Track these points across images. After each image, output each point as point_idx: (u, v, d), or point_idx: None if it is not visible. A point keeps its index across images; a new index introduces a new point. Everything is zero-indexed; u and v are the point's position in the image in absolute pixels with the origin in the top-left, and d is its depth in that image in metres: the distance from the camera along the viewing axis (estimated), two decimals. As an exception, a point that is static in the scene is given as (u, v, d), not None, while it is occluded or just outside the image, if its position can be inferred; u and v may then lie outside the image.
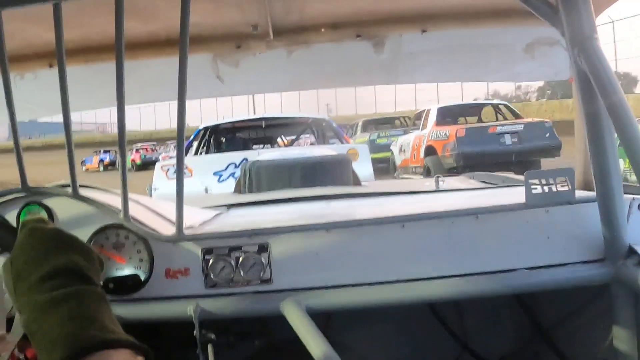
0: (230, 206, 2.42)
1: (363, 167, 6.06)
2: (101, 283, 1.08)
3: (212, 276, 1.67)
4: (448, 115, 13.39)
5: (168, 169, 6.52)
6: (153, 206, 1.90)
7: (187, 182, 1.68)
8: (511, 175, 3.28)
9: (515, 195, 1.83)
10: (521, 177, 1.77)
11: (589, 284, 1.67)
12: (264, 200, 2.60)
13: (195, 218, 1.94)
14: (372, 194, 2.65)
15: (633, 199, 1.65)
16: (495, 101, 16.17)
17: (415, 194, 2.60)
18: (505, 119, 13.60)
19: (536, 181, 1.68)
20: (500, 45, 2.36)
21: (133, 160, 33.49)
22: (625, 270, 1.58)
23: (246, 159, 5.92)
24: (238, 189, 3.23)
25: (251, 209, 2.45)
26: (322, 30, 2.08)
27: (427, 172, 12.18)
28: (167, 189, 6.05)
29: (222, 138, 8.31)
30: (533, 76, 2.83)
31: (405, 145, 14.37)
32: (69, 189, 1.67)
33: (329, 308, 1.73)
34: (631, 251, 1.59)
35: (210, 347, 1.68)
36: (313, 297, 1.65)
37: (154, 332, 1.82)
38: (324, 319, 2.01)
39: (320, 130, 8.06)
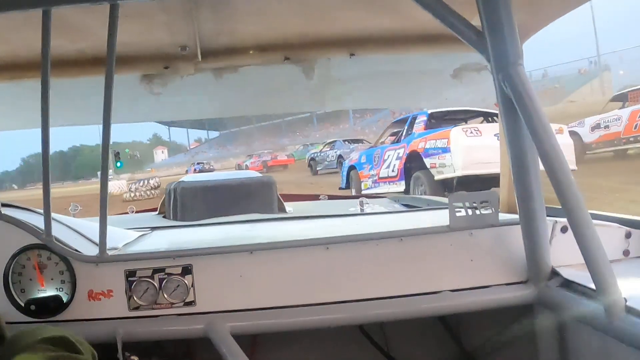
0: (154, 228, 2.36)
1: None
2: None
3: (135, 298, 1.65)
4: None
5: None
6: (76, 226, 1.86)
7: None
8: (435, 198, 3.34)
9: (439, 218, 1.85)
10: (445, 200, 1.79)
11: (512, 305, 1.70)
12: (188, 224, 2.55)
13: (118, 239, 1.90)
14: (297, 217, 2.63)
15: (556, 221, 1.69)
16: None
17: (340, 217, 2.59)
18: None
19: (460, 204, 1.71)
20: (429, 71, 2.39)
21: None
22: (548, 292, 1.61)
23: None
24: (162, 211, 3.16)
25: (175, 231, 2.42)
26: (251, 52, 2.07)
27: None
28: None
29: (440, 120, 11.91)
30: (461, 102, 2.89)
31: (608, 122, 15.19)
32: None
33: (254, 330, 1.73)
34: (554, 273, 1.63)
35: None
36: (237, 319, 1.65)
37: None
38: (249, 341, 2.00)
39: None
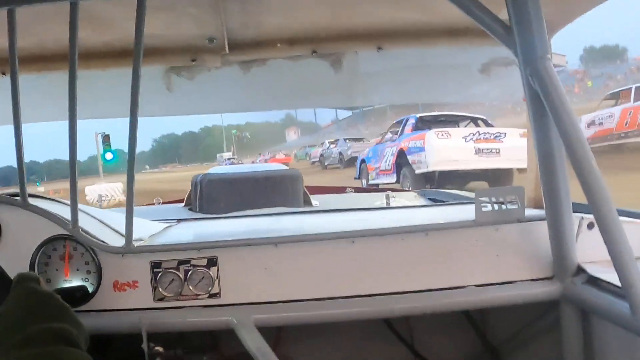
0: (180, 219, 2.38)
1: None
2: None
3: (160, 289, 1.66)
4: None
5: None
6: (102, 218, 1.87)
7: None
8: (461, 192, 3.32)
9: (465, 212, 1.84)
10: (471, 195, 1.78)
11: (537, 301, 1.70)
12: (214, 217, 2.56)
13: (144, 230, 1.92)
14: (322, 210, 2.64)
15: (582, 217, 1.67)
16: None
17: (366, 210, 2.59)
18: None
19: (486, 199, 1.70)
20: (456, 66, 2.38)
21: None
22: (574, 289, 1.60)
23: None
24: (188, 202, 3.18)
25: (201, 223, 2.43)
26: (278, 45, 2.07)
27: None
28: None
29: (429, 123, 14.27)
30: (489, 96, 2.86)
31: (602, 119, 17.12)
32: (19, 198, 1.65)
33: (279, 322, 1.74)
34: (580, 269, 1.61)
35: None
36: (262, 311, 1.65)
37: (102, 345, 1.79)
38: (274, 334, 2.01)
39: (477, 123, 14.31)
